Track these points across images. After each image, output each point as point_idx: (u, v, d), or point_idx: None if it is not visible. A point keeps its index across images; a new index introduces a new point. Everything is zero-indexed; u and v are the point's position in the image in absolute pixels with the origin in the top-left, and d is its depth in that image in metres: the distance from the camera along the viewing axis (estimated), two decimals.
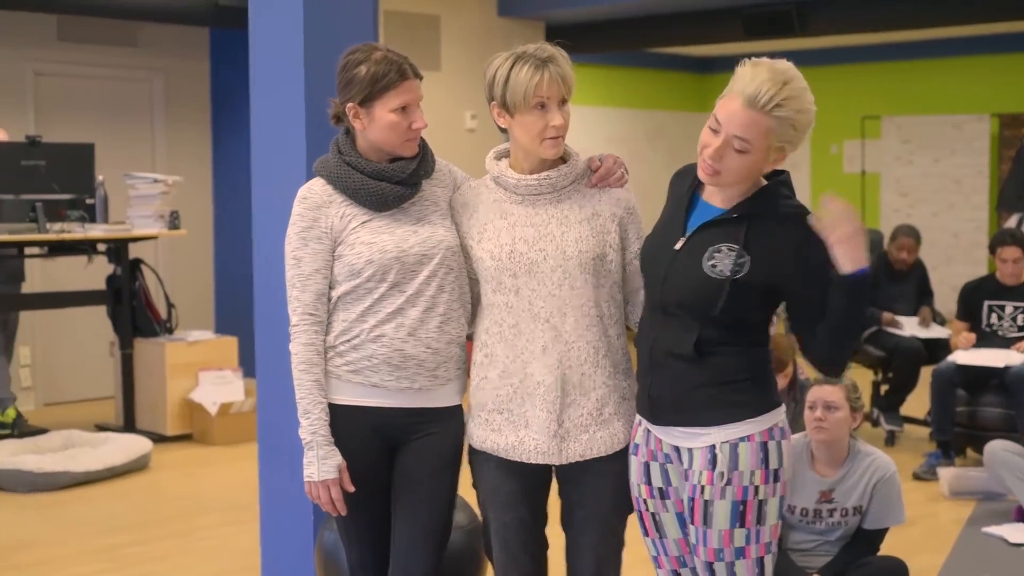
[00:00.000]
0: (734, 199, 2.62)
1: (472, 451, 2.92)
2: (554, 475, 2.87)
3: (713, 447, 2.59)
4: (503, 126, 2.80)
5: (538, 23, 9.93)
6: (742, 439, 2.58)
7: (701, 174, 2.59)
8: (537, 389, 2.77)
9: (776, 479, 2.61)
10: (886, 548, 4.07)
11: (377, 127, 2.83)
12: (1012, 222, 8.39)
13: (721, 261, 2.56)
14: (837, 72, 13.28)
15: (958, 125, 12.51)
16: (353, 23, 3.75)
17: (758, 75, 2.49)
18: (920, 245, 7.42)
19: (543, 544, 2.90)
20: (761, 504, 2.60)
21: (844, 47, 12.77)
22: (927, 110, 12.76)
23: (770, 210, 2.58)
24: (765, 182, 2.64)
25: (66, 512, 5.77)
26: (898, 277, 7.34)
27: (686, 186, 2.71)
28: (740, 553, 2.60)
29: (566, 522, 2.88)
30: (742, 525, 2.59)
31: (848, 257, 2.47)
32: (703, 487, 2.60)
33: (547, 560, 2.92)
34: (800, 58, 11.37)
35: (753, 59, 2.54)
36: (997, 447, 5.39)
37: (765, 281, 2.55)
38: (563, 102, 2.75)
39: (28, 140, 6.99)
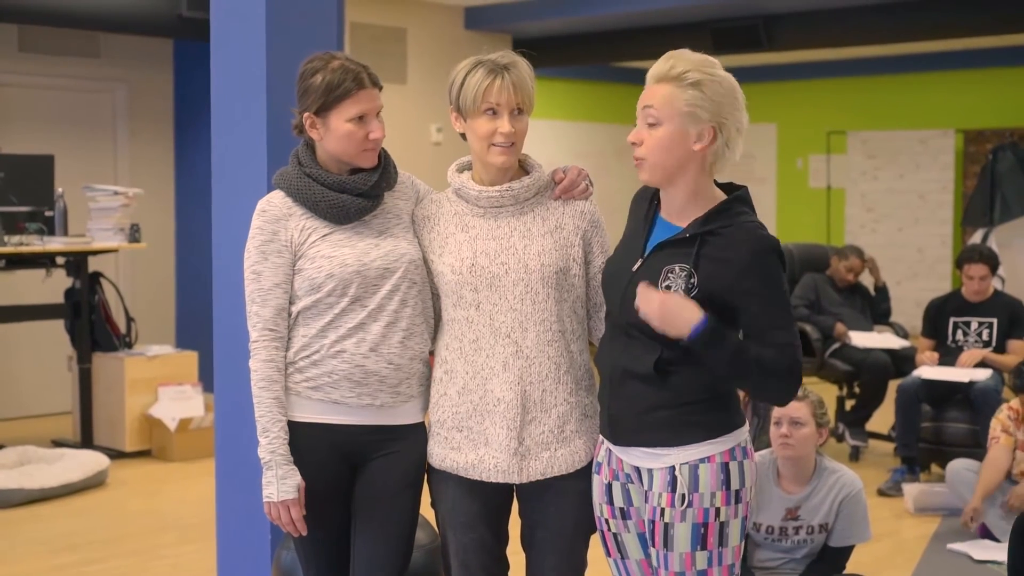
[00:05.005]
0: (690, 216, 2.57)
1: (431, 470, 2.86)
2: (515, 494, 2.82)
3: (673, 468, 2.55)
4: (459, 131, 2.78)
5: (505, 36, 9.93)
6: (702, 460, 2.54)
7: (639, 174, 2.58)
8: (497, 406, 2.72)
9: (738, 500, 2.57)
10: (851, 565, 4.04)
11: (333, 137, 2.78)
12: (977, 237, 8.45)
13: (675, 282, 2.52)
14: (803, 87, 13.36)
15: (923, 140, 12.59)
16: (317, 35, 3.70)
17: (660, 61, 2.55)
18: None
19: (504, 565, 2.85)
20: (723, 526, 2.55)
21: (810, 62, 12.85)
22: (892, 125, 12.84)
23: (723, 227, 2.53)
24: (723, 197, 2.59)
25: (20, 530, 5.66)
26: (841, 284, 7.40)
27: (645, 207, 2.68)
28: None
29: (527, 543, 2.82)
30: (704, 548, 2.55)
31: (672, 328, 2.46)
32: (663, 509, 2.55)
33: None
34: (767, 73, 11.47)
35: None
36: (959, 466, 5.41)
37: (716, 299, 2.50)
38: (518, 111, 2.71)
39: None
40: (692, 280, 2.50)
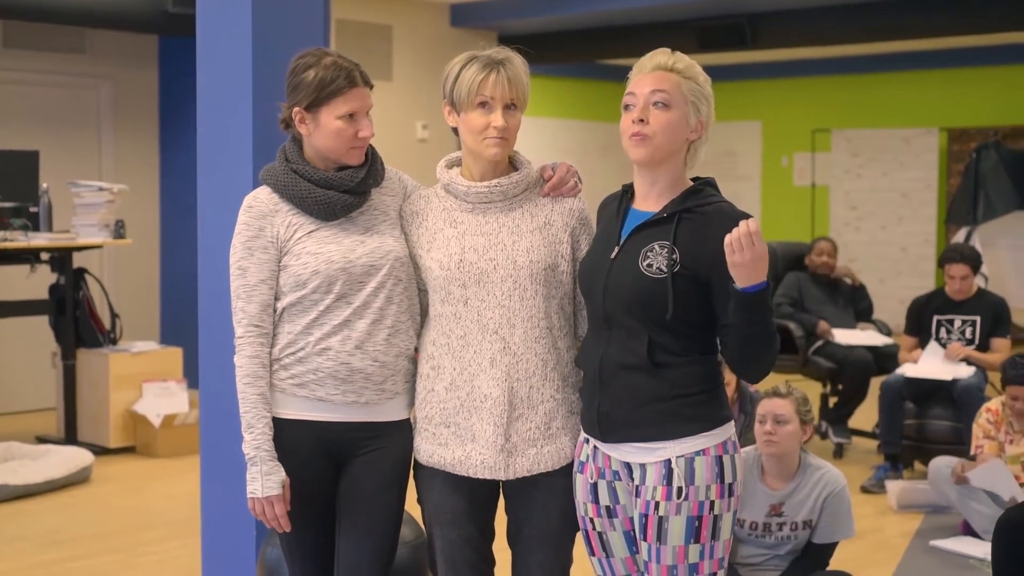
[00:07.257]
0: (663, 200, 2.62)
1: (418, 466, 2.87)
2: (501, 490, 2.83)
3: (668, 461, 2.56)
4: (452, 124, 2.79)
5: (491, 33, 9.93)
6: (698, 453, 2.56)
7: (633, 152, 2.61)
8: (484, 402, 2.72)
9: (731, 493, 2.59)
10: (835, 562, 4.06)
11: (322, 133, 2.78)
12: (961, 236, 8.47)
13: (655, 259, 2.56)
14: (788, 85, 13.39)
15: (907, 139, 12.63)
16: (303, 32, 3.70)
17: (650, 56, 2.64)
18: (837, 252, 7.52)
19: (490, 562, 2.85)
20: (716, 519, 2.57)
21: (795, 60, 12.87)
22: (876, 123, 12.88)
23: (697, 207, 2.60)
24: (691, 183, 2.66)
25: (4, 527, 5.64)
26: (823, 282, 7.43)
27: (615, 205, 2.73)
28: (694, 569, 2.58)
29: (513, 539, 2.83)
30: (697, 541, 2.56)
31: (743, 277, 2.45)
32: (658, 503, 2.56)
33: None
34: (752, 71, 11.46)
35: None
36: (941, 464, 5.43)
37: (697, 275, 2.54)
38: (511, 106, 2.72)
39: None
40: (674, 256, 2.54)
